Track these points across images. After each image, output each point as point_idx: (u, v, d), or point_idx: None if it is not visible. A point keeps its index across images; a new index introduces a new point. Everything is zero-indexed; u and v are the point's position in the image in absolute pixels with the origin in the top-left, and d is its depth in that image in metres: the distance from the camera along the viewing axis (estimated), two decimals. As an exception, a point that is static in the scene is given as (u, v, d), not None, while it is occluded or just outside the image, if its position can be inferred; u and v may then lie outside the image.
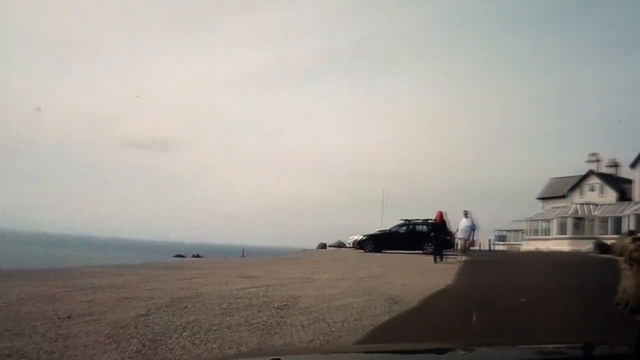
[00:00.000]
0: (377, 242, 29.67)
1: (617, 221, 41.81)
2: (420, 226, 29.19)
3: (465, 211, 22.15)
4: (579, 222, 45.12)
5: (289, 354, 2.80)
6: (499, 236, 59.40)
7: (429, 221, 26.58)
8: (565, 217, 45.17)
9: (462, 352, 2.60)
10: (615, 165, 55.50)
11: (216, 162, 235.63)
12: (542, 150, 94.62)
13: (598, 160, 55.16)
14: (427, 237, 25.85)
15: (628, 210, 41.03)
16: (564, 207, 48.40)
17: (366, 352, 2.86)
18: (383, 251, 28.49)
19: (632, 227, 39.19)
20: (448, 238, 24.41)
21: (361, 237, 32.09)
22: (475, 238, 23.37)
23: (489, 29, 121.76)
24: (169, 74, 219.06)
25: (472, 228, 21.63)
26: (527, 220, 50.92)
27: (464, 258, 21.59)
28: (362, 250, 29.82)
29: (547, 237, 46.64)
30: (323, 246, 43.45)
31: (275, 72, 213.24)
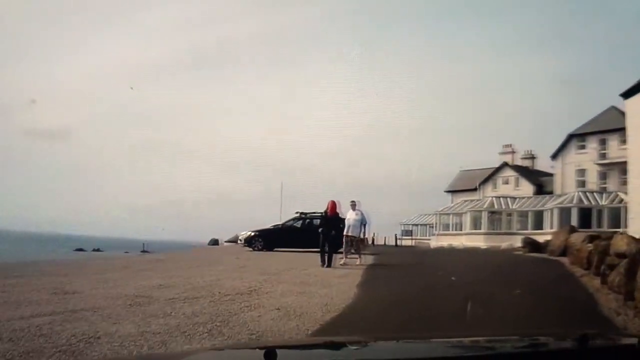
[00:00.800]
0: (268, 239, 25.12)
1: (539, 215, 37.09)
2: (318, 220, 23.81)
3: (353, 202, 17.00)
4: (494, 217, 40.35)
5: (282, 346, 2.71)
6: (406, 231, 54.09)
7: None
8: (480, 211, 40.01)
9: (458, 343, 2.62)
10: (532, 157, 51.95)
11: (121, 153, 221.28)
12: (455, 143, 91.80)
13: (513, 152, 51.34)
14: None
15: (550, 203, 36.37)
16: (478, 200, 43.47)
17: (361, 343, 2.75)
18: (276, 249, 24.22)
19: (555, 222, 34.52)
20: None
21: (249, 233, 26.18)
22: (366, 235, 18.45)
23: (401, 19, 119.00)
24: (77, 64, 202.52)
25: (362, 223, 16.77)
26: (436, 214, 45.54)
27: (357, 262, 16.62)
28: (251, 249, 24.84)
29: (459, 232, 41.44)
30: (215, 242, 38.78)
31: (184, 63, 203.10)
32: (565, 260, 18.15)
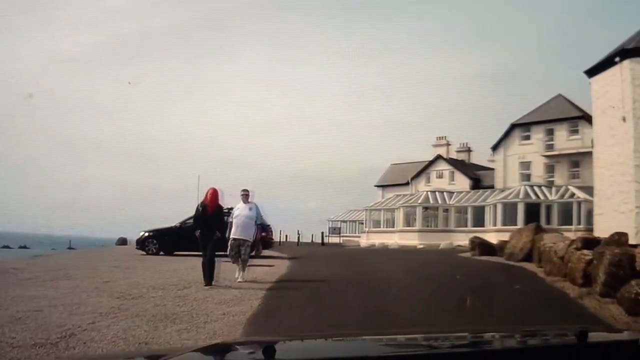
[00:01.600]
0: (164, 241, 20.38)
1: (479, 211, 33.28)
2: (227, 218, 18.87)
3: (245, 192, 11.81)
4: (429, 213, 36.46)
5: (281, 341, 2.41)
6: (334, 228, 49.62)
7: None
8: (414, 206, 35.81)
9: (457, 338, 2.59)
10: (468, 150, 48.61)
11: (43, 148, 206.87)
12: (388, 138, 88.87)
13: (448, 144, 47.75)
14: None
15: (492, 198, 32.65)
16: (411, 195, 39.34)
17: (361, 339, 2.83)
18: (175, 253, 19.49)
19: (499, 218, 30.83)
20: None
21: (142, 233, 20.98)
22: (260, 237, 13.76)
23: (332, 13, 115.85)
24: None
25: (257, 221, 11.70)
26: (366, 210, 41.12)
27: (239, 278, 11.42)
28: (144, 253, 20.23)
29: (391, 229, 37.20)
30: (123, 242, 34.70)
31: (100, 55, 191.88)
32: (533, 268, 13.92)
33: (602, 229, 17.83)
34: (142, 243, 20.53)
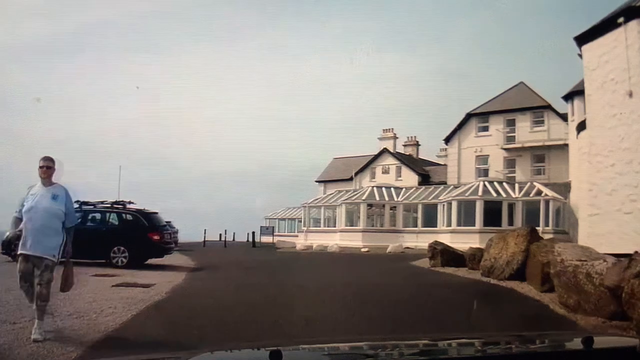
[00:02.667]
0: None
1: (431, 210, 29.01)
2: (108, 215, 16.51)
3: (47, 162, 5.98)
4: (374, 211, 32.10)
5: (288, 346, 2.44)
6: (266, 227, 44.37)
7: (128, 206, 16.53)
8: (357, 203, 31.26)
9: (462, 344, 2.55)
10: (416, 144, 44.68)
11: None
12: (332, 134, 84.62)
13: (395, 137, 43.53)
14: (121, 234, 15.69)
15: (446, 195, 28.47)
16: (354, 190, 34.74)
17: (366, 344, 2.74)
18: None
19: (454, 218, 26.68)
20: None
21: (8, 234, 14.06)
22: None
23: (281, 10, 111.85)
24: None
25: (65, 220, 5.97)
26: (304, 207, 36.30)
27: (34, 334, 5.71)
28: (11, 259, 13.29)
29: (332, 228, 32.57)
30: None
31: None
32: (535, 293, 9.53)
33: (597, 235, 13.84)
34: (7, 246, 14.41)
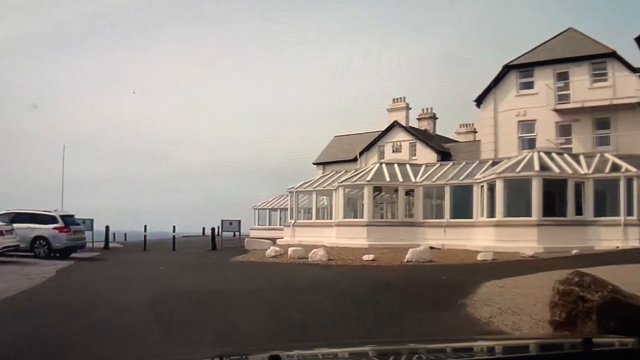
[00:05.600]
0: None
1: (462, 194, 20.99)
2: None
3: None
4: (384, 197, 24.49)
5: (288, 350, 2.40)
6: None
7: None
8: (361, 186, 23.41)
9: (463, 347, 2.56)
10: (433, 117, 36.99)
11: None
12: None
13: (408, 108, 35.90)
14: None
15: (482, 173, 20.53)
16: (356, 170, 26.72)
17: (366, 348, 2.74)
18: None
19: (500, 203, 18.75)
20: None
21: None
22: None
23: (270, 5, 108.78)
24: None
25: None
26: (292, 192, 27.77)
27: None
28: None
29: (327, 221, 24.80)
30: None
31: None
32: None
33: None
34: None
